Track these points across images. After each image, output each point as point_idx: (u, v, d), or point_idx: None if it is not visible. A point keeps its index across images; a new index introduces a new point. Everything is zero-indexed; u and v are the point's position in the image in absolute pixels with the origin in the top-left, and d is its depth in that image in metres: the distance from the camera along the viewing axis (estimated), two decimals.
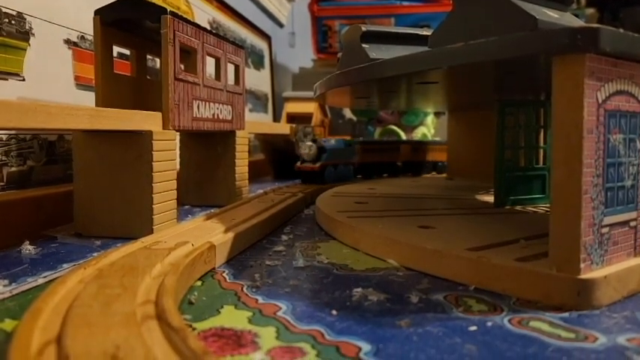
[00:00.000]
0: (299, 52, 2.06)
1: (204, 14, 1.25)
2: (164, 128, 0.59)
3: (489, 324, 0.32)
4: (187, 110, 0.63)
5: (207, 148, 0.81)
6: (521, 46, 0.35)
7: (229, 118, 0.77)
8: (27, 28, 0.64)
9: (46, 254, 0.50)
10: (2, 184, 0.60)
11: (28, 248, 0.51)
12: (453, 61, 0.40)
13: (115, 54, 0.64)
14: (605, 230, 0.36)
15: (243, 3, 1.59)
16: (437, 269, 0.42)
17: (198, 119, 0.66)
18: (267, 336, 0.30)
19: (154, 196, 0.56)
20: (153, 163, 0.56)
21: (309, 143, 0.93)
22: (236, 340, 0.30)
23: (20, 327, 0.28)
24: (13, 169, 0.62)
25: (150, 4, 0.60)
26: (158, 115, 0.59)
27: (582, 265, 0.35)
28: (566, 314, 0.34)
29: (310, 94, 0.93)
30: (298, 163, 0.95)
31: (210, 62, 0.70)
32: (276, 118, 1.79)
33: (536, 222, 0.56)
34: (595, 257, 0.36)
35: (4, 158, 0.61)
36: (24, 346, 0.26)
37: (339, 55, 0.68)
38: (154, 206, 0.56)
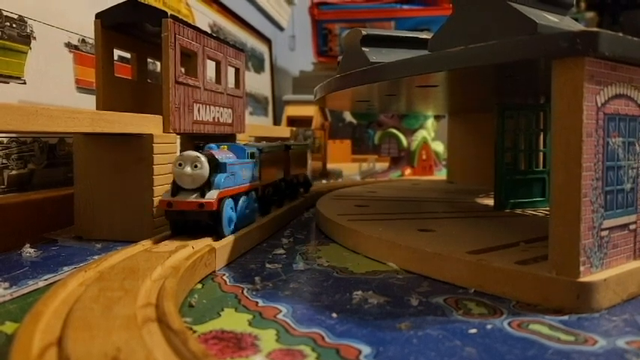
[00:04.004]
0: (299, 56, 2.07)
1: (205, 17, 1.25)
2: (164, 131, 0.59)
3: (489, 327, 0.32)
4: (188, 113, 0.63)
5: None
6: (521, 50, 0.35)
7: (230, 121, 0.77)
8: (28, 31, 0.65)
9: (46, 257, 0.50)
10: (3, 187, 0.61)
11: (28, 251, 0.51)
12: (452, 64, 0.40)
13: (115, 57, 0.64)
14: (604, 233, 0.36)
15: (243, 6, 1.59)
16: (437, 272, 0.42)
17: (198, 122, 0.66)
18: (268, 339, 0.30)
19: (154, 199, 0.56)
20: (153, 166, 0.56)
21: (194, 154, 0.48)
22: (236, 342, 0.30)
23: (21, 329, 0.28)
24: (14, 172, 0.62)
25: (150, 8, 0.61)
26: (159, 118, 0.59)
27: (582, 269, 0.35)
28: (565, 317, 0.34)
29: (310, 97, 0.93)
30: (166, 195, 0.48)
31: (210, 65, 0.70)
32: (277, 122, 1.79)
33: (536, 225, 0.56)
34: (594, 260, 0.36)
35: (4, 161, 0.61)
36: (25, 349, 0.26)
37: (340, 58, 0.68)
38: (154, 209, 0.56)
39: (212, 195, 0.48)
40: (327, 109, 1.58)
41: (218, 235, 0.49)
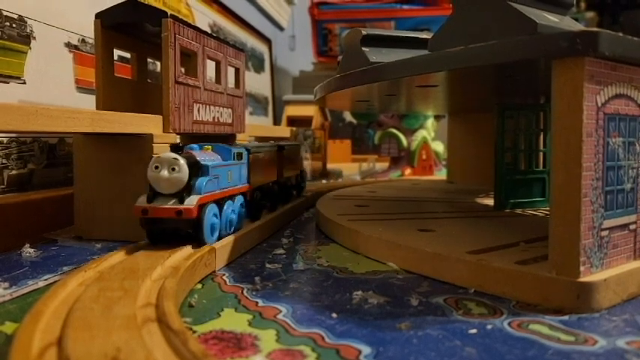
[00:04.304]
0: (299, 56, 2.07)
1: (205, 17, 1.25)
2: (164, 131, 0.59)
3: (489, 327, 0.32)
4: (188, 113, 0.63)
5: None
6: (521, 50, 0.35)
7: (230, 121, 0.77)
8: (28, 31, 0.65)
9: (46, 257, 0.50)
10: (3, 187, 0.60)
11: (28, 251, 0.51)
12: (453, 64, 0.40)
13: (115, 57, 0.64)
14: (604, 233, 0.36)
15: (243, 6, 1.59)
16: (437, 272, 0.42)
17: (198, 122, 0.66)
18: (268, 339, 0.30)
19: None
20: None
21: (171, 156, 0.44)
22: (236, 343, 0.30)
23: (21, 329, 0.28)
24: (14, 172, 0.62)
25: (150, 8, 0.61)
26: (158, 118, 0.59)
27: (582, 269, 0.35)
28: (565, 317, 0.34)
29: (310, 97, 0.93)
30: (141, 200, 0.44)
31: (210, 65, 0.70)
32: (277, 122, 1.79)
33: (536, 225, 0.56)
34: (595, 260, 0.36)
35: (4, 161, 0.61)
36: (24, 349, 0.26)
37: (340, 58, 0.68)
38: None
39: (192, 201, 0.44)
40: (327, 109, 1.58)
41: (199, 245, 0.45)
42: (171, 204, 0.44)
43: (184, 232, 0.45)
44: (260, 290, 0.40)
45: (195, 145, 0.50)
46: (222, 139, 0.73)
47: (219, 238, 0.49)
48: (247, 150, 0.58)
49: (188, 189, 0.44)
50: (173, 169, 0.44)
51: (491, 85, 0.57)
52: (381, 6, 1.69)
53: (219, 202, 0.49)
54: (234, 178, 0.53)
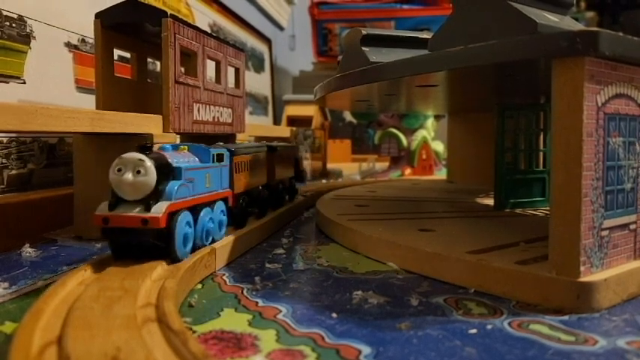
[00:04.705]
0: (299, 55, 2.07)
1: (205, 17, 1.25)
2: (164, 131, 0.59)
3: (489, 327, 0.32)
4: (188, 113, 0.63)
5: None
6: (521, 50, 0.35)
7: (229, 121, 0.77)
8: (28, 31, 0.65)
9: (46, 257, 0.50)
10: (3, 186, 0.60)
11: (28, 251, 0.51)
12: (452, 64, 0.40)
13: (115, 57, 0.64)
14: (604, 233, 0.36)
15: (243, 6, 1.59)
16: (437, 272, 0.42)
17: (198, 122, 0.66)
18: (268, 339, 0.30)
19: None
20: None
21: (136, 156, 0.39)
22: (236, 343, 0.30)
23: (21, 328, 0.28)
24: (14, 171, 0.62)
25: (150, 7, 0.61)
26: (158, 118, 0.59)
27: (582, 268, 0.35)
28: (566, 317, 0.34)
29: (310, 97, 0.93)
30: (102, 208, 0.40)
31: (210, 65, 0.70)
32: (277, 121, 1.79)
33: (536, 225, 0.56)
34: (595, 260, 0.36)
35: (4, 161, 0.61)
36: (24, 347, 0.26)
37: (340, 58, 0.68)
38: None
39: (159, 208, 0.38)
40: (327, 108, 1.58)
41: (171, 259, 0.40)
42: (136, 212, 0.38)
43: (152, 244, 0.39)
44: (260, 290, 0.40)
45: (168, 146, 0.45)
46: (222, 139, 0.73)
47: (194, 249, 0.44)
48: (229, 151, 0.52)
49: (156, 195, 0.39)
50: (138, 172, 0.39)
51: (491, 84, 0.56)
52: (381, 6, 1.69)
53: (194, 210, 0.44)
54: (214, 183, 0.48)
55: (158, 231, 0.38)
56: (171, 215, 0.40)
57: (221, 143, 0.56)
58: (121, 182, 0.38)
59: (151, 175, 0.39)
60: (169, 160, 0.42)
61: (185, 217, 0.41)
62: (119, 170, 0.39)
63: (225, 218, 0.50)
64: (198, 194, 0.45)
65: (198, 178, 0.45)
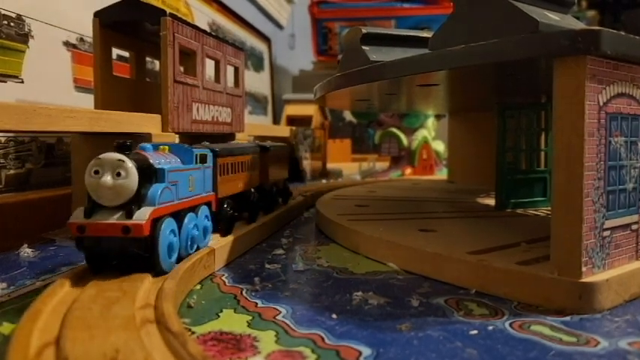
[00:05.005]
0: (299, 55, 2.06)
1: (204, 16, 1.25)
2: (163, 131, 0.59)
3: (490, 328, 0.32)
4: (187, 113, 0.63)
5: None
6: (522, 49, 0.35)
7: (229, 120, 0.77)
8: (26, 30, 0.64)
9: (44, 257, 0.50)
10: (1, 186, 0.60)
11: (26, 251, 0.51)
12: (453, 63, 0.40)
13: (114, 56, 0.64)
14: (606, 233, 0.36)
15: (243, 5, 1.59)
16: (438, 273, 0.42)
17: (197, 122, 0.66)
18: (267, 340, 0.30)
19: None
20: None
21: (116, 157, 0.36)
22: (235, 344, 0.30)
23: (19, 328, 0.27)
24: (12, 171, 0.62)
25: (149, 6, 0.60)
26: (157, 117, 0.58)
27: (584, 269, 0.34)
28: (567, 318, 0.33)
29: (310, 96, 0.92)
30: (77, 215, 0.36)
31: (209, 64, 0.70)
32: (276, 121, 1.79)
33: (537, 225, 0.56)
34: (596, 261, 0.35)
35: (2, 161, 0.61)
36: (23, 348, 0.26)
37: (340, 57, 0.68)
38: None
39: (142, 214, 0.35)
40: (327, 108, 1.58)
41: (155, 272, 0.37)
42: (115, 218, 0.35)
43: (134, 255, 0.36)
44: (259, 291, 0.40)
45: (148, 145, 0.41)
46: (221, 139, 0.73)
47: (179, 259, 0.41)
48: (213, 152, 0.49)
49: (138, 199, 0.36)
50: (118, 174, 0.35)
51: (492, 84, 0.56)
52: (382, 4, 1.69)
53: (178, 216, 0.41)
54: (197, 186, 0.45)
55: (141, 240, 0.35)
56: (155, 222, 0.37)
57: (207, 143, 0.53)
58: (99, 186, 0.35)
59: (133, 177, 0.36)
60: (151, 160, 0.39)
61: (169, 224, 0.38)
62: (96, 172, 0.36)
63: (209, 224, 0.47)
64: (182, 198, 0.41)
65: (181, 180, 0.42)
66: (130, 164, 0.36)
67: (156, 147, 0.43)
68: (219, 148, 0.51)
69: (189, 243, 0.42)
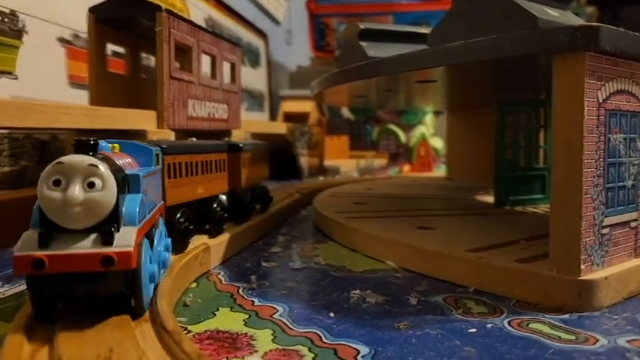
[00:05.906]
0: (296, 50, 2.05)
1: (200, 12, 1.24)
2: (159, 127, 0.59)
3: (489, 326, 0.32)
4: (182, 109, 0.63)
5: None
6: (521, 45, 0.35)
7: (225, 117, 0.76)
8: (20, 26, 0.64)
9: None
10: None
11: None
12: (452, 59, 0.39)
13: (109, 52, 0.63)
14: (605, 231, 0.36)
15: (239, 1, 1.58)
16: (436, 271, 0.42)
17: (193, 118, 0.65)
18: (264, 339, 0.30)
19: None
20: None
21: (87, 161, 0.26)
22: (232, 343, 0.30)
23: (12, 328, 0.27)
24: (6, 168, 0.61)
25: (145, 2, 0.60)
26: (153, 114, 0.58)
27: (583, 266, 0.34)
28: (566, 316, 0.33)
29: (307, 92, 0.92)
30: (26, 244, 0.26)
31: (205, 60, 0.70)
32: (273, 117, 1.79)
33: (536, 222, 0.56)
34: (595, 258, 0.35)
35: None
36: (16, 348, 0.25)
37: (337, 53, 0.68)
38: None
39: (127, 238, 0.27)
40: (325, 104, 1.57)
41: (137, 314, 0.29)
42: (89, 247, 0.26)
43: (109, 294, 0.27)
44: (256, 289, 0.39)
45: (104, 144, 0.31)
46: (217, 136, 0.73)
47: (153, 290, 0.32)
48: (161, 149, 0.38)
49: (116, 217, 0.27)
50: (91, 185, 0.26)
51: (490, 80, 0.56)
52: (380, 0, 1.68)
53: (149, 236, 0.31)
54: (155, 194, 0.36)
55: (125, 274, 0.27)
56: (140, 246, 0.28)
57: (154, 139, 0.45)
58: (66, 202, 0.25)
59: (111, 187, 0.26)
60: (119, 163, 0.30)
61: (147, 249, 0.30)
62: (56, 183, 0.26)
63: (169, 241, 0.38)
64: (151, 211, 0.32)
65: (150, 188, 0.33)
66: (105, 170, 0.27)
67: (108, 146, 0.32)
68: (167, 145, 0.40)
69: (162, 270, 0.34)
